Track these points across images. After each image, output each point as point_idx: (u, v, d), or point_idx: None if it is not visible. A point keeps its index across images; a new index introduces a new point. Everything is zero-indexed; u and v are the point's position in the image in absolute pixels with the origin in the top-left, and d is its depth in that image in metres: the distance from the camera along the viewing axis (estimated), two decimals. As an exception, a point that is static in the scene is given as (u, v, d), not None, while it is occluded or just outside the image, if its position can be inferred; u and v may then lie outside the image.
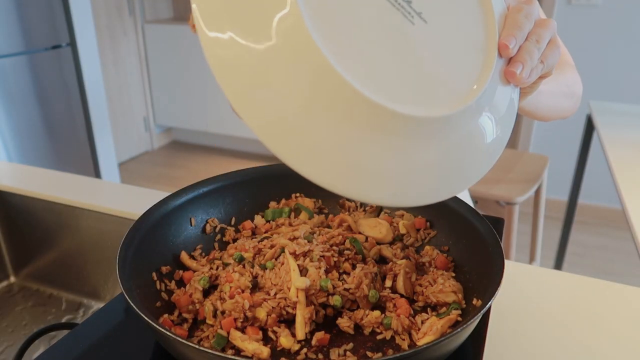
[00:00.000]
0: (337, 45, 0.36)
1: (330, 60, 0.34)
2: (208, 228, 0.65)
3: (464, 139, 0.41)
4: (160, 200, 0.60)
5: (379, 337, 0.51)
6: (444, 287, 0.54)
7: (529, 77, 0.43)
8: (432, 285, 0.55)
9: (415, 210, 0.67)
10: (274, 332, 0.50)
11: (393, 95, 0.37)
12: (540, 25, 0.44)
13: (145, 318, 0.42)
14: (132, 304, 0.44)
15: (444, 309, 0.53)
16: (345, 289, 0.53)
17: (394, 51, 0.38)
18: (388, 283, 0.56)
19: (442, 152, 0.40)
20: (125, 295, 0.45)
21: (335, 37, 0.36)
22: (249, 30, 0.35)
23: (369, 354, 0.49)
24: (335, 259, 0.55)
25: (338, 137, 0.36)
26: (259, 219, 0.68)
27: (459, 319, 0.50)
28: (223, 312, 0.52)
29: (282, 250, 0.57)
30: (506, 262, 0.67)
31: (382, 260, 0.61)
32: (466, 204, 0.60)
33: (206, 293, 0.55)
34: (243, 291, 0.52)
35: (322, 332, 0.50)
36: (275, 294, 0.52)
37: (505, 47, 0.42)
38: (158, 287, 0.55)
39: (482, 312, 0.44)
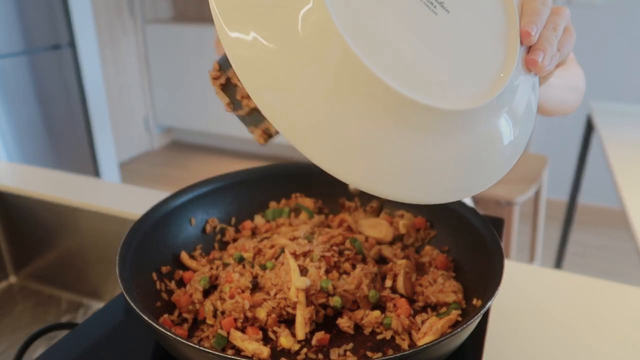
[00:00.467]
0: (363, 38, 0.35)
1: (364, 60, 0.34)
2: (208, 228, 0.65)
3: (488, 132, 0.40)
4: (161, 201, 0.60)
5: (379, 337, 0.51)
6: (444, 287, 0.54)
7: (550, 65, 0.43)
8: (432, 285, 0.55)
9: (415, 210, 0.67)
10: (274, 332, 0.50)
11: (421, 88, 0.36)
12: (555, 13, 0.44)
13: (146, 318, 0.42)
14: (132, 304, 0.44)
15: (444, 309, 0.53)
16: (345, 290, 0.53)
17: (418, 42, 0.38)
18: (388, 283, 0.56)
19: (467, 147, 0.39)
20: (125, 295, 0.45)
21: (360, 30, 0.35)
22: (273, 28, 0.35)
23: (369, 354, 0.49)
24: (336, 259, 0.55)
25: (362, 132, 0.35)
26: (259, 219, 0.68)
27: (459, 319, 0.50)
28: (223, 312, 0.52)
29: (282, 251, 0.57)
30: (506, 262, 0.67)
31: (382, 260, 0.61)
32: (466, 204, 0.60)
33: (206, 293, 0.55)
34: (243, 291, 0.52)
35: (322, 332, 0.50)
36: (275, 294, 0.52)
37: (528, 34, 0.42)
38: (158, 287, 0.55)
39: (482, 312, 0.44)
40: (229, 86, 0.45)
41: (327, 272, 0.54)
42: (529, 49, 0.43)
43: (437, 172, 0.38)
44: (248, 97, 0.43)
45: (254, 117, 0.44)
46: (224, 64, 0.45)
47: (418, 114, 0.36)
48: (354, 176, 0.36)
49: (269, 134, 0.44)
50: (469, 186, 0.41)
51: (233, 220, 0.67)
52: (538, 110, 0.70)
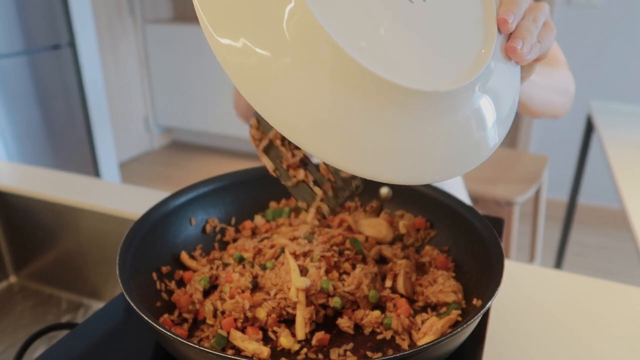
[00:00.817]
0: (345, 31, 0.36)
1: (348, 51, 0.35)
2: (208, 228, 0.65)
3: (469, 114, 0.41)
4: (161, 201, 0.60)
5: (379, 337, 0.51)
6: (444, 287, 0.54)
7: (529, 54, 0.43)
8: (432, 285, 0.55)
9: (415, 210, 0.67)
10: (274, 332, 0.50)
11: (401, 73, 0.37)
12: (535, 7, 0.45)
13: (146, 318, 0.42)
14: (132, 304, 0.44)
15: (444, 309, 0.53)
16: (345, 290, 0.53)
17: (397, 31, 0.39)
18: (388, 283, 0.56)
19: (449, 128, 0.39)
20: (125, 295, 0.45)
21: (342, 23, 0.36)
22: (261, 32, 0.35)
23: (369, 354, 0.49)
24: (336, 259, 0.55)
25: (355, 121, 0.36)
26: (259, 219, 0.68)
27: (459, 319, 0.50)
28: (223, 312, 0.52)
29: (282, 251, 0.57)
30: (506, 262, 0.67)
31: (382, 260, 0.61)
32: (466, 204, 0.60)
33: (206, 293, 0.55)
34: (243, 291, 0.52)
35: (322, 332, 0.50)
36: (276, 294, 0.52)
37: (505, 22, 0.42)
38: (158, 287, 0.55)
39: (482, 312, 0.44)
40: (271, 148, 0.44)
41: (327, 272, 0.54)
42: (509, 38, 0.43)
43: (422, 153, 0.39)
44: (295, 167, 0.42)
45: (302, 190, 0.43)
46: (263, 121, 0.44)
47: (401, 97, 0.37)
48: (357, 165, 0.37)
49: (322, 214, 0.43)
50: (452, 167, 0.41)
51: (233, 220, 0.67)
52: (525, 109, 0.70)
